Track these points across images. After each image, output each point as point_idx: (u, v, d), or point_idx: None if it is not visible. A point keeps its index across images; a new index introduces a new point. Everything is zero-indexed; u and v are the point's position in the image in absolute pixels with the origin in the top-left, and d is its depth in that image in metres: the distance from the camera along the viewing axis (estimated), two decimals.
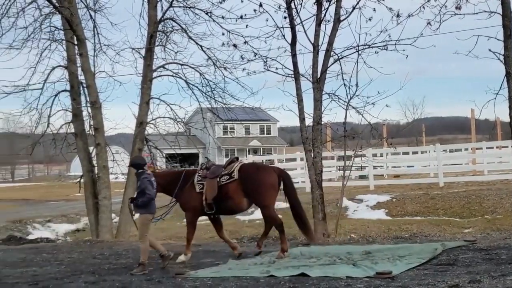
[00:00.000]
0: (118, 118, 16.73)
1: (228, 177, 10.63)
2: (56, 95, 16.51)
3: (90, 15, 16.95)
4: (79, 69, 16.42)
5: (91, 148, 16.60)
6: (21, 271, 10.66)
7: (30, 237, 19.29)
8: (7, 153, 62.86)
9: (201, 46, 16.14)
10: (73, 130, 16.60)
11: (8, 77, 15.68)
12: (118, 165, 16.91)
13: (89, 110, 16.30)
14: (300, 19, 14.23)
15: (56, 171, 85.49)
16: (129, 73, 17.18)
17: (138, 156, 10.90)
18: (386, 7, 13.74)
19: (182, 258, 10.85)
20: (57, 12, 15.88)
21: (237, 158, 11.31)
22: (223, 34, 15.24)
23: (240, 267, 9.82)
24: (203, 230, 17.18)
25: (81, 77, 16.40)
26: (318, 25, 14.18)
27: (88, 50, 16.24)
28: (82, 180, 16.60)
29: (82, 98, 16.55)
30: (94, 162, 16.36)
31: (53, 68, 16.27)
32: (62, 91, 16.64)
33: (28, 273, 10.39)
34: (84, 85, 16.26)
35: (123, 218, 16.07)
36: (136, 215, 10.32)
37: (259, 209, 19.77)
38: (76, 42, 16.13)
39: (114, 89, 16.87)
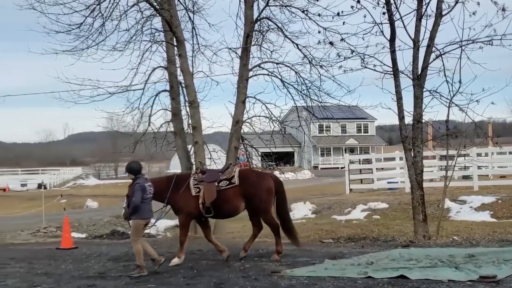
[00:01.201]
0: (215, 117, 17.01)
1: (227, 182, 10.99)
2: (156, 95, 16.97)
3: (189, 17, 17.34)
4: (178, 69, 16.78)
5: (189, 146, 16.92)
6: (123, 265, 11.06)
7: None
8: (111, 150, 65.93)
9: (296, 44, 16.05)
10: (172, 129, 17.01)
11: (112, 78, 16.27)
12: (215, 163, 17.16)
13: (188, 109, 16.62)
14: (400, 14, 13.83)
15: (156, 168, 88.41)
16: (226, 72, 17.35)
17: (133, 161, 10.70)
18: (491, 0, 13.05)
19: (175, 261, 10.87)
20: (157, 14, 16.30)
21: (231, 164, 11.75)
22: (319, 32, 15.08)
23: (337, 267, 9.67)
24: (299, 229, 17.07)
25: (180, 77, 16.76)
26: (419, 20, 13.71)
27: (186, 51, 16.58)
28: None
29: (181, 97, 16.91)
30: (192, 160, 16.67)
31: (154, 69, 16.72)
32: (162, 91, 17.09)
33: (130, 267, 10.74)
34: (183, 85, 16.60)
35: None
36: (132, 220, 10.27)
37: (355, 209, 19.71)
38: (175, 43, 16.50)
39: (211, 88, 17.11)
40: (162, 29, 16.92)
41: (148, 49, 16.80)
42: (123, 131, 23.10)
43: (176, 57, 16.71)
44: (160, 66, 16.95)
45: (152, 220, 11.17)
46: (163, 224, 18.17)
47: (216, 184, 10.98)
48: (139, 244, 10.05)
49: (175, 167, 58.92)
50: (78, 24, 15.57)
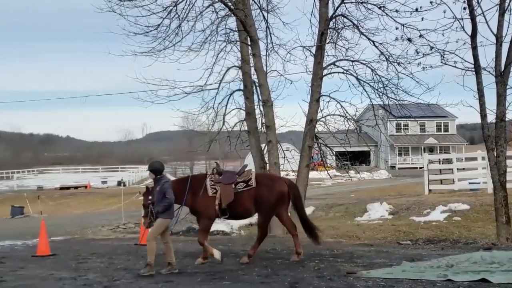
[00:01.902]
0: (289, 116, 16.98)
1: (244, 184, 11.04)
2: (231, 94, 17.12)
3: (263, 16, 17.37)
4: (252, 68, 16.85)
5: (263, 145, 16.96)
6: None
7: None
8: (187, 149, 67.25)
9: (373, 41, 15.75)
10: (246, 128, 17.09)
11: (188, 78, 16.54)
12: (289, 162, 17.12)
13: (261, 108, 16.66)
14: (481, 9, 13.29)
15: (230, 167, 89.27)
16: (300, 71, 17.32)
17: (157, 161, 10.62)
18: None
19: (216, 255, 10.80)
20: (232, 15, 16.43)
21: (246, 166, 11.67)
22: (396, 28, 14.72)
23: (415, 270, 9.40)
24: (375, 230, 16.81)
25: (254, 77, 16.82)
26: (502, 15, 13.15)
27: (260, 50, 16.61)
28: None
29: (255, 96, 16.97)
30: (266, 159, 16.70)
31: (228, 69, 16.88)
32: (236, 90, 17.21)
33: (205, 264, 10.87)
34: (257, 84, 16.65)
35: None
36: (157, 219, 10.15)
37: (434, 210, 19.14)
38: (249, 43, 16.57)
39: (285, 87, 17.07)
40: (236, 29, 17.03)
41: (223, 49, 16.99)
42: (198, 130, 23.44)
43: (250, 56, 16.78)
44: (234, 66, 17.09)
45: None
46: (238, 222, 18.28)
47: (233, 186, 11.05)
48: (154, 242, 10.06)
49: (249, 166, 59.27)
50: (156, 25, 15.94)
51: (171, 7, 15.78)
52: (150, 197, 10.35)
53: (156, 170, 10.28)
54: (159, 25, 15.93)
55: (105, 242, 16.17)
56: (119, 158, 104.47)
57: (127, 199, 24.24)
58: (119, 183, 54.33)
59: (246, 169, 11.47)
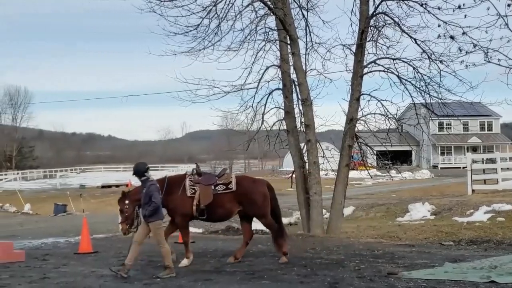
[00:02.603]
0: (328, 114, 16.83)
1: (224, 187, 11.04)
2: (270, 94, 17.09)
3: (303, 14, 17.27)
4: (291, 67, 16.80)
5: (302, 145, 16.90)
6: (238, 261, 11.19)
7: None
8: (226, 148, 67.58)
9: (414, 39, 15.49)
10: (285, 127, 17.06)
11: (227, 78, 16.59)
12: (328, 161, 17.01)
13: (301, 107, 16.60)
14: None
15: (269, 166, 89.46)
16: (340, 70, 17.09)
17: (140, 163, 10.42)
18: None
19: (185, 262, 10.82)
20: (271, 14, 16.40)
21: (226, 169, 11.77)
22: (439, 25, 14.40)
23: (458, 271, 9.23)
24: (417, 231, 16.56)
25: (293, 76, 16.77)
26: None
27: (300, 49, 16.55)
28: (293, 176, 16.99)
29: (294, 95, 16.91)
30: (305, 158, 16.63)
31: (267, 68, 16.85)
32: (275, 89, 17.19)
33: (244, 263, 10.89)
34: (296, 83, 16.59)
35: (334, 214, 16.17)
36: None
37: (478, 210, 18.72)
38: (289, 42, 16.52)
39: (324, 86, 16.96)
40: (275, 28, 16.99)
41: (262, 48, 16.96)
42: (237, 129, 23.51)
43: (289, 55, 16.73)
44: (273, 65, 17.06)
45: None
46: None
47: (212, 187, 11.02)
48: (166, 245, 10.03)
49: (288, 165, 59.34)
50: (195, 25, 16.03)
51: (210, 7, 15.85)
52: (126, 202, 10.40)
53: (137, 172, 10.01)
54: (198, 25, 16.02)
55: (148, 240, 16.32)
56: (159, 157, 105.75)
57: None
58: None
59: (226, 172, 11.53)
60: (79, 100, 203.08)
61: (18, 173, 65.30)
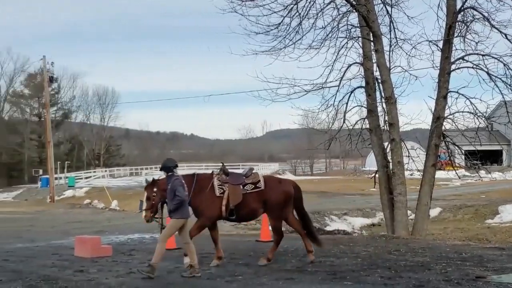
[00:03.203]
0: (413, 113, 16.37)
1: (253, 186, 10.83)
2: (352, 92, 16.86)
3: (387, 10, 16.87)
4: (375, 65, 16.49)
5: (385, 144, 16.57)
6: (319, 261, 11.09)
7: (328, 228, 20.11)
8: (306, 147, 67.37)
9: (505, 34, 14.86)
10: (368, 126, 16.78)
11: (307, 76, 16.52)
12: (414, 161, 16.57)
13: (384, 105, 16.28)
14: None
15: (351, 166, 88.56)
16: (425, 66, 16.63)
17: (169, 159, 10.20)
18: None
19: (215, 262, 10.63)
20: (354, 10, 16.15)
21: (252, 169, 11.31)
22: None
23: None
24: (508, 233, 15.85)
25: (376, 73, 16.46)
26: None
27: (383, 46, 16.21)
28: (376, 175, 16.69)
29: (377, 93, 16.61)
30: (389, 157, 16.28)
31: (349, 66, 16.61)
32: (358, 87, 16.92)
33: (326, 263, 10.76)
34: (379, 80, 16.28)
35: (419, 216, 15.79)
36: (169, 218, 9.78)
37: (504, 211, 17.57)
38: (372, 39, 16.22)
39: (409, 83, 16.51)
40: (358, 25, 16.71)
41: (344, 46, 16.71)
42: (318, 128, 23.37)
43: (372, 52, 16.43)
44: (356, 62, 16.80)
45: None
46: (359, 222, 18.01)
47: (241, 187, 10.77)
48: (165, 245, 9.82)
49: (370, 165, 58.44)
50: (276, 24, 16.02)
51: (292, 5, 15.80)
52: (155, 190, 10.16)
53: (164, 168, 9.93)
54: (279, 23, 16.00)
55: (227, 237, 16.47)
56: (240, 156, 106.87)
57: None
58: None
59: (252, 172, 11.23)
60: (163, 100, 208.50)
61: (106, 171, 67.78)
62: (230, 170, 11.33)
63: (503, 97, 15.57)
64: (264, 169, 75.79)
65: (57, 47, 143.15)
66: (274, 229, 11.24)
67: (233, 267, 10.62)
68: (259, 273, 9.85)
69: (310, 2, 15.89)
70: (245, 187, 10.86)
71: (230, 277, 9.60)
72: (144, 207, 10.25)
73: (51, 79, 46.32)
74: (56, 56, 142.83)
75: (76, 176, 58.97)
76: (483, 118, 15.85)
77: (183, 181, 9.83)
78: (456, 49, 15.74)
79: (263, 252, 12.34)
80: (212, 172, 11.26)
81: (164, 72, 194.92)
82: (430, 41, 15.85)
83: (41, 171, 57.97)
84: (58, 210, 34.30)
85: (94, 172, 67.11)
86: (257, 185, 10.93)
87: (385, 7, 16.85)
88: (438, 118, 15.50)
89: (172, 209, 9.60)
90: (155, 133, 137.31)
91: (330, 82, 16.52)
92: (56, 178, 44.97)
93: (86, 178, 61.59)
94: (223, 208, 10.65)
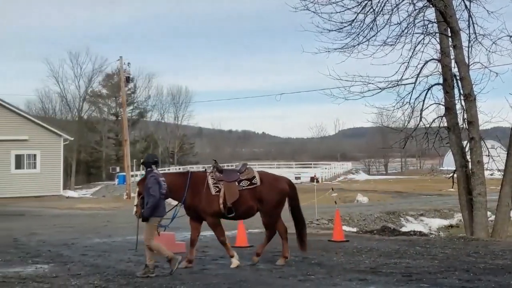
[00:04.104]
0: (494, 110, 15.76)
1: (248, 182, 10.52)
2: (428, 89, 16.44)
3: (465, 5, 16.30)
4: (453, 61, 16.01)
5: (464, 142, 16.06)
6: (394, 262, 10.85)
7: (403, 229, 19.70)
8: (381, 146, 66.26)
9: None
10: (445, 124, 16.31)
11: (382, 73, 16.20)
12: (494, 160, 15.97)
13: (463, 103, 15.81)
14: None
15: (428, 165, 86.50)
16: (507, 62, 15.96)
17: (149, 154, 9.92)
18: None
19: (234, 262, 10.30)
20: (430, 5, 15.72)
21: (246, 164, 10.99)
22: None
23: None
24: None
25: (454, 70, 15.97)
26: None
27: (462, 41, 15.69)
28: (455, 175, 16.20)
29: (455, 91, 16.13)
30: (468, 157, 15.76)
31: (426, 62, 16.18)
32: (435, 84, 16.48)
33: (401, 265, 10.51)
34: (458, 77, 15.79)
35: (499, 217, 15.26)
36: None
37: None
38: (449, 34, 15.73)
39: (489, 80, 15.90)
40: (435, 20, 16.25)
41: (420, 42, 16.28)
42: (393, 127, 22.92)
43: (450, 48, 15.95)
44: (433, 59, 16.34)
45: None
46: (436, 223, 17.52)
47: (236, 184, 10.42)
48: (154, 240, 9.64)
49: (448, 164, 56.80)
50: (350, 21, 15.81)
51: (365, 2, 15.57)
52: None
53: (143, 163, 9.86)
54: (353, 20, 15.79)
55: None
56: (312, 154, 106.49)
57: (319, 195, 24.46)
58: (312, 179, 55.23)
59: (246, 167, 10.86)
60: (235, 99, 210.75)
61: (179, 168, 69.17)
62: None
63: None
64: (336, 168, 75.16)
65: (133, 46, 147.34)
66: (266, 226, 10.91)
67: (305, 266, 10.55)
68: (332, 273, 9.72)
69: None
70: (240, 184, 10.60)
71: (303, 276, 9.52)
72: (135, 202, 10.14)
73: (128, 79, 47.60)
74: (132, 55, 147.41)
75: None
76: None
77: (160, 179, 9.65)
78: None
79: (336, 252, 12.23)
80: (205, 170, 11.09)
81: (236, 71, 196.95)
82: (511, 37, 15.21)
83: (118, 169, 59.87)
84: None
85: (169, 169, 68.56)
86: (253, 181, 10.64)
87: (464, 2, 16.32)
88: None
89: (147, 207, 9.48)
90: (227, 132, 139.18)
91: (406, 79, 16.16)
92: (132, 175, 46.27)
93: None
94: (221, 206, 10.42)
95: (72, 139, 43.78)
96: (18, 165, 38.32)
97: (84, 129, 75.59)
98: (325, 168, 69.43)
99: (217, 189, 10.41)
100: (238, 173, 10.70)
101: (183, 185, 10.33)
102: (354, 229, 18.47)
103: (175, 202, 10.71)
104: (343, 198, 32.08)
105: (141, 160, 10.18)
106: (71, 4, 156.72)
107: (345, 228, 17.75)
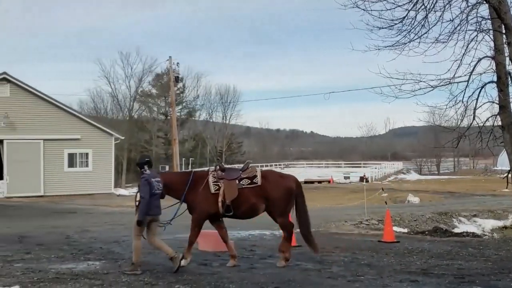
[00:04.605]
0: None
1: (249, 181, 10.47)
2: (482, 87, 15.99)
3: None
4: (507, 59, 15.56)
5: None
6: (446, 263, 10.67)
7: (455, 230, 19.30)
8: (433, 145, 65.06)
9: None
10: (500, 123, 15.88)
11: (433, 71, 15.87)
12: None
13: None
14: None
15: (482, 165, 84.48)
16: None
17: (142, 155, 9.91)
18: None
19: (182, 262, 9.83)
20: (484, 2, 15.33)
21: (249, 163, 10.96)
22: None
23: None
24: None
25: (509, 67, 15.53)
26: None
27: None
28: (509, 175, 15.75)
29: (510, 89, 15.67)
30: None
31: (479, 60, 15.75)
32: (489, 82, 16.03)
33: (453, 266, 10.33)
34: None
35: None
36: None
37: None
38: (503, 31, 15.31)
39: None
40: (488, 17, 15.82)
41: (473, 39, 15.84)
42: (445, 126, 22.47)
43: (505, 45, 15.49)
44: (486, 56, 15.90)
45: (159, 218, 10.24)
46: (489, 224, 17.08)
47: (237, 182, 10.31)
48: (140, 241, 9.63)
49: (503, 164, 55.32)
50: (400, 18, 15.51)
51: None
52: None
53: (137, 164, 9.96)
54: (404, 17, 15.49)
55: (348, 237, 16.32)
56: (361, 154, 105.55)
57: (369, 195, 24.22)
58: (361, 179, 54.78)
59: (249, 166, 10.77)
60: (283, 98, 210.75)
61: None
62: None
63: None
64: (387, 168, 74.26)
65: (182, 47, 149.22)
66: (282, 226, 10.75)
67: (355, 267, 10.47)
68: (382, 274, 9.62)
69: None
70: (240, 182, 10.54)
71: (352, 277, 9.45)
72: (136, 203, 10.22)
73: (177, 79, 48.23)
74: (180, 55, 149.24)
75: None
76: None
77: (152, 179, 9.73)
78: None
79: (387, 253, 12.10)
80: (208, 169, 11.11)
81: (284, 70, 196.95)
82: None
83: (167, 167, 60.69)
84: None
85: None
86: (254, 180, 10.55)
87: None
88: None
89: (139, 209, 9.59)
90: (275, 131, 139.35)
91: (459, 77, 15.75)
92: None
93: None
94: (220, 204, 10.38)
95: (123, 138, 44.58)
96: (71, 164, 39.29)
97: (135, 128, 76.92)
98: (375, 168, 68.68)
99: (217, 188, 10.47)
100: (240, 172, 10.79)
101: (184, 183, 10.47)
102: (405, 230, 18.18)
103: (176, 201, 10.83)
104: (394, 198, 31.66)
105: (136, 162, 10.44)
106: (122, 6, 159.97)
107: (395, 228, 17.52)
